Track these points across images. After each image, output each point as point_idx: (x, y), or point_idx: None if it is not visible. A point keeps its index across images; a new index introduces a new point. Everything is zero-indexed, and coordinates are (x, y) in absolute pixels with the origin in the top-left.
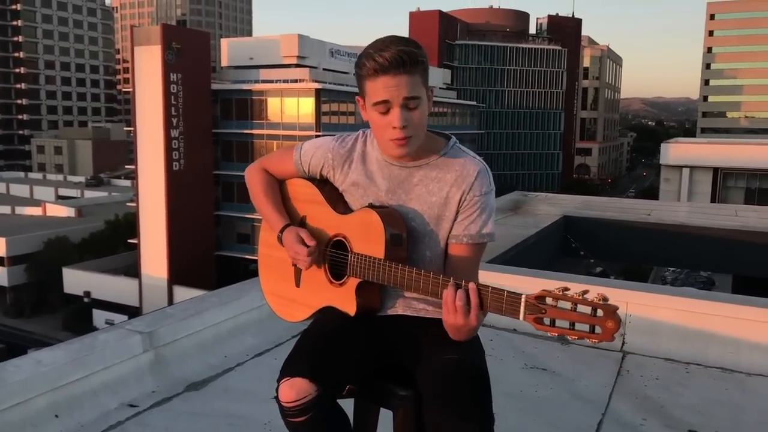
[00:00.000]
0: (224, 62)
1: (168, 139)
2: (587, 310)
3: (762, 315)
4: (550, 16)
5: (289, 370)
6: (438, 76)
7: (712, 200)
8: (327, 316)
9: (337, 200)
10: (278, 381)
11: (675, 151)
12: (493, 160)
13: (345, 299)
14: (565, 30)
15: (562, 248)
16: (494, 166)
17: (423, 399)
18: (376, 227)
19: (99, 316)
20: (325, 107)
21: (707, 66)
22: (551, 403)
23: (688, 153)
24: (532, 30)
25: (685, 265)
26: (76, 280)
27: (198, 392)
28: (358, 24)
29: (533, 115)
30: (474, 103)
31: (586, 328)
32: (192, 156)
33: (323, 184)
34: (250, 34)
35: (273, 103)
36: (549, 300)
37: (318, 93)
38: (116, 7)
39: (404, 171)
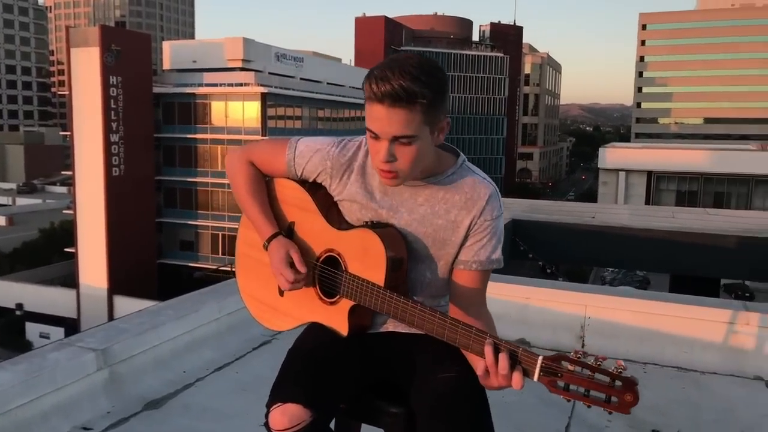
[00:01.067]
0: (166, 65)
1: (107, 143)
2: (605, 379)
3: (713, 315)
4: (492, 24)
5: (279, 395)
6: None
7: (647, 202)
8: (315, 333)
9: (330, 210)
10: (268, 407)
11: (612, 156)
12: None
13: (336, 319)
14: (507, 37)
15: (511, 251)
16: None
17: (418, 418)
18: (377, 251)
19: (32, 329)
20: (271, 111)
21: (640, 74)
22: (519, 408)
23: (623, 157)
24: (476, 37)
25: (627, 266)
26: (7, 291)
27: (157, 410)
28: (304, 28)
29: (477, 120)
30: None
31: (602, 396)
32: (133, 161)
33: (315, 188)
34: (192, 36)
35: (217, 107)
36: (565, 364)
37: (264, 97)
38: (50, 7)
39: (408, 189)
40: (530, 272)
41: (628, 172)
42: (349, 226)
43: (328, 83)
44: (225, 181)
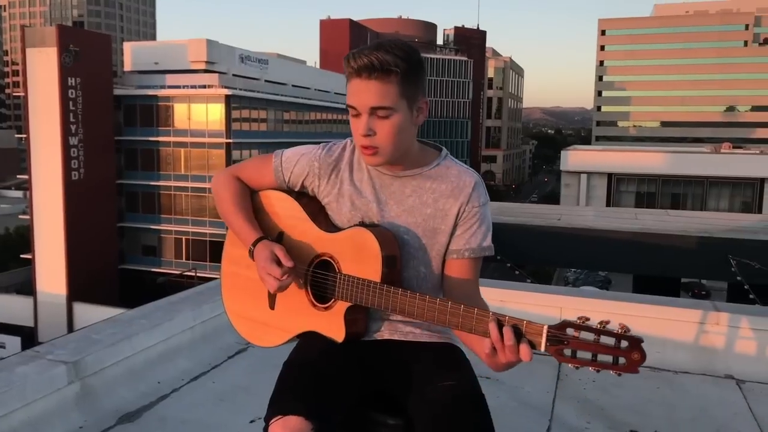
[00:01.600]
0: (127, 67)
1: (66, 147)
2: (610, 341)
3: (685, 315)
4: (456, 28)
5: (279, 407)
6: None
7: (608, 204)
8: (310, 343)
9: (319, 215)
10: (267, 420)
11: (573, 158)
12: None
13: (331, 324)
14: (471, 41)
15: None
16: None
17: (418, 428)
18: (371, 247)
19: None
20: (235, 114)
21: (600, 78)
22: (501, 412)
23: (585, 160)
24: (440, 41)
25: (592, 267)
26: None
27: (132, 424)
28: (268, 30)
29: (442, 123)
30: None
31: (609, 359)
32: (93, 165)
33: (301, 196)
34: (153, 38)
35: (180, 110)
36: (570, 330)
37: (228, 99)
38: (3, 6)
39: (396, 181)
40: (496, 274)
41: (589, 174)
42: (340, 228)
43: (293, 85)
44: (188, 184)
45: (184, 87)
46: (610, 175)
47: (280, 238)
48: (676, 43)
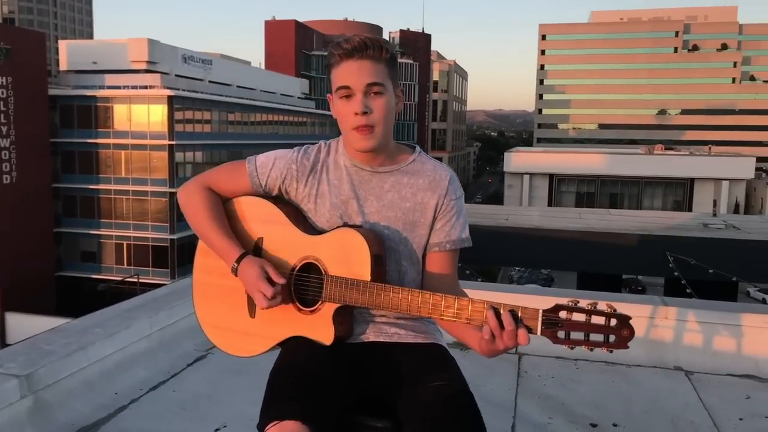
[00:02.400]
0: (63, 66)
1: None
2: (601, 320)
3: (636, 310)
4: (401, 31)
5: (275, 413)
6: (296, 85)
7: (549, 204)
8: (296, 348)
9: (298, 218)
10: (261, 427)
11: (516, 160)
12: None
13: (319, 327)
14: (416, 44)
15: None
16: None
17: (409, 430)
18: (359, 247)
19: None
20: (178, 115)
21: (541, 82)
22: None
23: (527, 161)
24: None
25: (539, 265)
26: None
27: None
28: (211, 30)
29: None
30: (332, 113)
31: (600, 338)
32: (26, 168)
33: (278, 200)
34: (90, 36)
35: (120, 111)
36: (563, 313)
37: (171, 100)
38: None
39: (375, 177)
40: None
41: (531, 175)
42: (323, 231)
43: (238, 86)
44: (129, 187)
45: (124, 87)
46: (551, 176)
47: (259, 243)
48: (612, 48)
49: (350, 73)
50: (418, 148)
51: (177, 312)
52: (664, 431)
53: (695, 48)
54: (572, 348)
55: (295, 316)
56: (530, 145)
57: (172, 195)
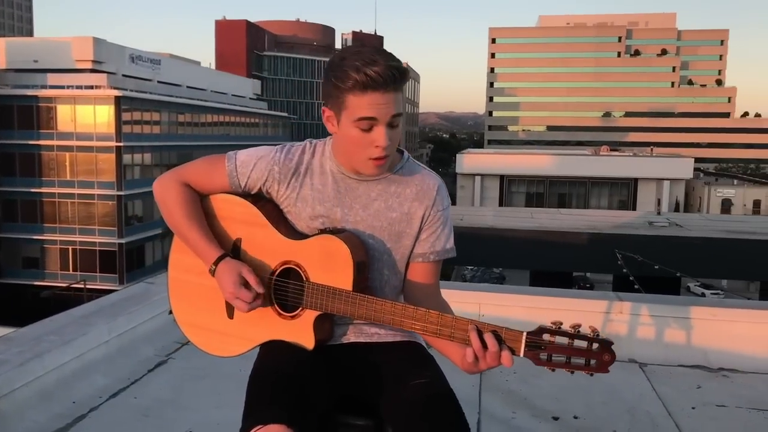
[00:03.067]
0: (1, 64)
1: None
2: (583, 344)
3: (593, 306)
4: (354, 32)
5: (258, 417)
6: (248, 86)
7: (500, 204)
8: (275, 350)
9: (279, 221)
10: (245, 431)
11: (468, 161)
12: None
13: (300, 332)
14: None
15: None
16: None
17: (392, 428)
18: (342, 255)
19: None
20: (126, 116)
21: (491, 84)
22: None
23: (478, 162)
24: (338, 45)
25: (492, 264)
26: None
27: None
28: (159, 29)
29: None
30: (285, 114)
31: (581, 361)
32: None
33: (259, 200)
34: (30, 33)
35: (64, 111)
36: (546, 336)
37: (118, 101)
38: None
39: (362, 185)
40: None
41: (483, 176)
42: (304, 235)
43: (188, 87)
44: (75, 191)
45: (68, 87)
46: (502, 177)
47: (237, 244)
48: (559, 52)
49: (377, 106)
50: (406, 154)
51: (136, 317)
52: (622, 422)
53: (637, 53)
54: (553, 370)
55: (275, 320)
56: (481, 146)
57: (121, 198)
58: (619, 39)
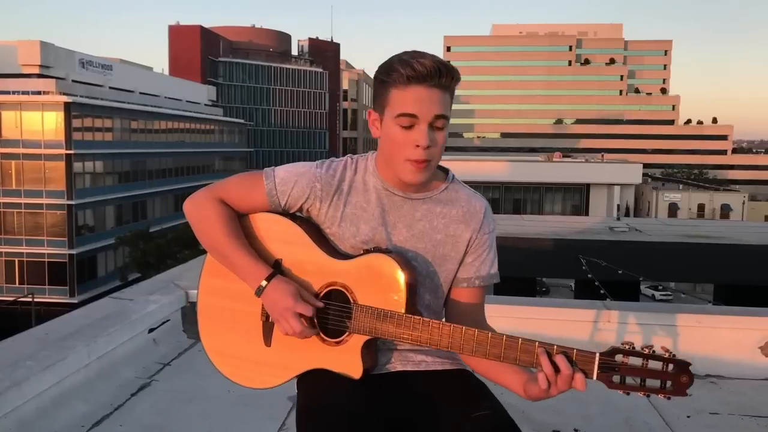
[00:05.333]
0: None
1: None
2: (658, 365)
3: (581, 315)
4: (311, 39)
5: None
6: (203, 92)
7: None
8: (324, 383)
9: (322, 240)
10: None
11: None
12: None
13: (346, 360)
14: (325, 53)
15: None
16: None
17: None
18: (393, 275)
19: None
20: (77, 122)
21: None
22: None
23: None
24: (294, 51)
25: None
26: None
27: None
28: (108, 34)
29: (300, 134)
30: (241, 120)
31: (656, 383)
32: None
33: (296, 219)
34: None
35: (9, 118)
36: (619, 357)
37: (68, 107)
38: None
39: (407, 203)
40: None
41: None
42: (349, 255)
43: (141, 93)
44: (21, 200)
45: (13, 93)
46: None
47: (279, 265)
48: (512, 60)
49: (419, 101)
50: (451, 173)
51: (116, 337)
52: None
53: (587, 62)
54: (628, 394)
55: (318, 347)
56: None
57: (71, 207)
58: (570, 48)
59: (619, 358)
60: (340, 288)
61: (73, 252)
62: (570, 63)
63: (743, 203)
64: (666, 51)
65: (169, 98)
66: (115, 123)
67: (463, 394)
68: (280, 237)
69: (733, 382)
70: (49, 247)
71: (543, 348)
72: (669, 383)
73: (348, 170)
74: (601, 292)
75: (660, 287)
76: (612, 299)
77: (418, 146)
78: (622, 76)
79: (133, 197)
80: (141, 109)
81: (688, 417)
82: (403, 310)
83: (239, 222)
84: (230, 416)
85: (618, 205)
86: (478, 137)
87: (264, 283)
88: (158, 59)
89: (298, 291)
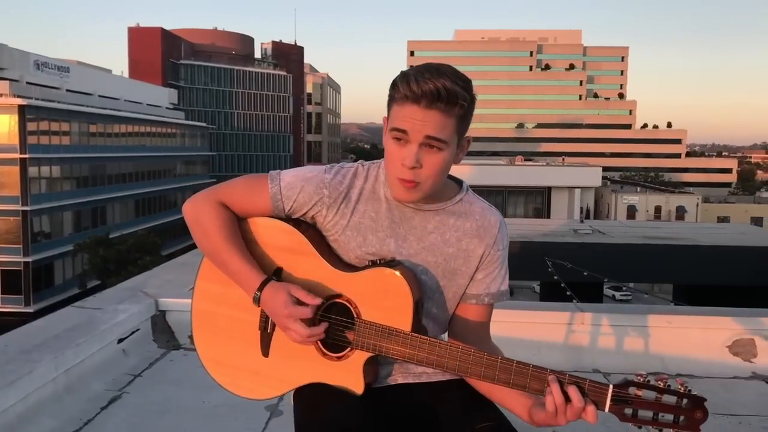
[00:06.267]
0: None
1: None
2: (672, 399)
3: (555, 317)
4: (274, 42)
5: None
6: (164, 95)
7: None
8: (326, 396)
9: (327, 250)
10: None
11: None
12: None
13: (347, 376)
14: (289, 56)
15: None
16: None
17: None
18: (401, 292)
19: None
20: (32, 126)
21: None
22: None
23: None
24: (258, 54)
25: None
26: None
27: None
28: (65, 36)
29: (264, 137)
30: (204, 124)
31: (670, 418)
32: None
33: (303, 227)
34: None
35: None
36: (633, 389)
37: (22, 110)
38: None
39: (418, 214)
40: None
41: None
42: (354, 267)
43: (100, 96)
44: None
45: None
46: None
47: (278, 274)
48: (475, 65)
49: (411, 118)
50: (465, 185)
51: (84, 349)
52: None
53: (547, 67)
54: (640, 428)
55: (318, 361)
56: None
57: (26, 213)
58: (531, 54)
59: (632, 390)
60: (344, 302)
61: (29, 259)
62: (531, 68)
63: (697, 205)
64: (623, 57)
65: (130, 101)
66: (72, 126)
67: (464, 405)
68: (283, 244)
69: (703, 381)
70: (2, 254)
71: (555, 376)
72: (682, 418)
73: (358, 178)
74: (568, 293)
75: (623, 287)
76: (579, 301)
77: (403, 165)
78: (581, 81)
79: (92, 203)
80: (100, 113)
81: None
82: (409, 329)
83: (239, 227)
84: (207, 428)
85: (582, 208)
86: None
87: (257, 293)
88: (117, 62)
89: (290, 294)
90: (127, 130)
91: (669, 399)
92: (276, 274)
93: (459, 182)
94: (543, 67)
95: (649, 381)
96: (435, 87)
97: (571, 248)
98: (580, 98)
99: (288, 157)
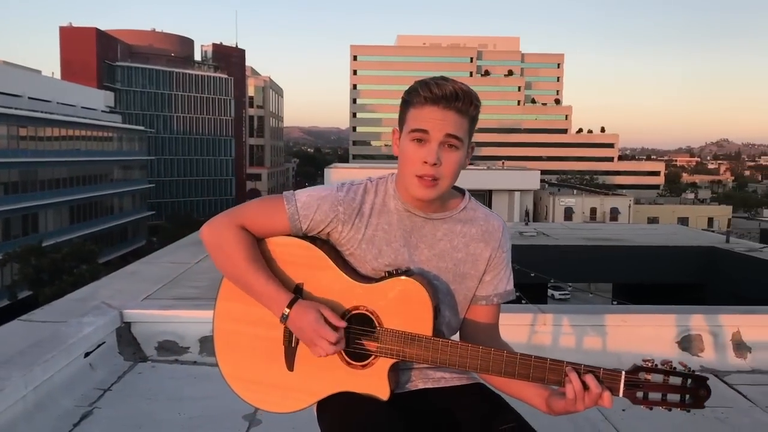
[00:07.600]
0: None
1: None
2: (678, 380)
3: (519, 319)
4: (214, 45)
5: None
6: (99, 98)
7: None
8: (355, 404)
9: (345, 264)
10: None
11: (336, 176)
12: (165, 188)
13: (373, 383)
14: (230, 59)
15: None
16: (167, 193)
17: None
18: (421, 299)
19: None
20: None
21: (354, 101)
22: None
23: (346, 177)
24: (198, 57)
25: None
26: None
27: None
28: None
29: (204, 141)
30: (141, 128)
31: (677, 398)
32: None
33: (316, 241)
34: None
35: None
36: (642, 374)
37: None
38: None
39: (428, 224)
40: None
41: None
42: (371, 278)
43: (30, 98)
44: None
45: None
46: None
47: (299, 290)
48: (416, 71)
49: (431, 119)
50: (467, 194)
51: (52, 365)
52: (566, 430)
53: (487, 73)
54: (651, 409)
55: (343, 371)
56: (346, 161)
57: None
58: (471, 60)
59: (642, 375)
60: (366, 312)
61: None
62: (471, 74)
63: (629, 207)
64: (558, 64)
65: (62, 104)
66: (0, 130)
67: (484, 408)
68: (301, 261)
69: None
70: None
71: (572, 367)
72: (688, 397)
73: (369, 193)
74: (517, 294)
75: (563, 287)
76: (527, 302)
77: (425, 162)
78: (519, 87)
79: (23, 209)
80: (30, 115)
81: (624, 410)
82: (430, 334)
83: (259, 248)
84: None
85: (526, 211)
86: (386, 145)
87: (287, 310)
88: (47, 62)
89: (320, 315)
90: (60, 134)
91: (675, 380)
92: (297, 290)
93: (461, 191)
94: (483, 73)
95: (656, 365)
96: (453, 89)
97: (517, 250)
98: (519, 104)
99: (229, 161)
